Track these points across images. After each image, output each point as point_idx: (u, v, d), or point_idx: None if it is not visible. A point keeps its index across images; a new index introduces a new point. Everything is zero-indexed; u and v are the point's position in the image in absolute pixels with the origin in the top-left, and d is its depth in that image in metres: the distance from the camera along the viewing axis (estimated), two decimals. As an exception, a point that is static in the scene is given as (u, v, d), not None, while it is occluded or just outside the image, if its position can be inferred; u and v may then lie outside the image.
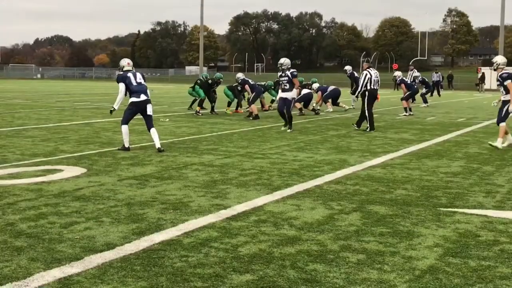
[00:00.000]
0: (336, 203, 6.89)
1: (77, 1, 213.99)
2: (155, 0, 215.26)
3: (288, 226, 5.85)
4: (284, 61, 15.32)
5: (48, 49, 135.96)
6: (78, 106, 23.87)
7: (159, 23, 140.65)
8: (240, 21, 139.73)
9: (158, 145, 10.96)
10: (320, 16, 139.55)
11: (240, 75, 21.12)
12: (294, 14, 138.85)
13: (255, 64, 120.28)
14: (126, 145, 11.02)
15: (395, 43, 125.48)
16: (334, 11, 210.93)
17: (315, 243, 5.29)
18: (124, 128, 11.00)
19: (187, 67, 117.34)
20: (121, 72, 11.31)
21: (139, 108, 11.15)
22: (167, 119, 17.97)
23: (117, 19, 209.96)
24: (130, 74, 11.17)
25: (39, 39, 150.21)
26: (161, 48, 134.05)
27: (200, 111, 20.19)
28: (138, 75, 11.32)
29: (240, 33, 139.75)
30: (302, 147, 11.95)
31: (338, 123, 17.88)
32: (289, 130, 14.82)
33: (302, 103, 21.38)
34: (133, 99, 11.10)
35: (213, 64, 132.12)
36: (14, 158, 9.90)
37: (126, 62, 11.53)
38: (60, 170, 8.72)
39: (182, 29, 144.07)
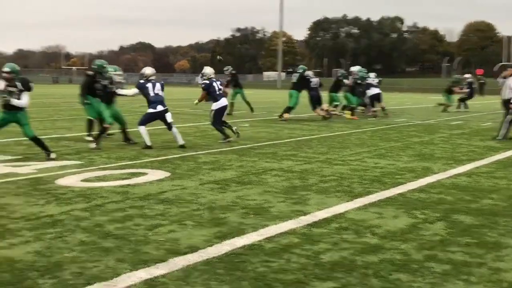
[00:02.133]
0: (419, 211, 6.75)
1: (159, 8, 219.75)
2: (235, 6, 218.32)
3: (370, 234, 5.78)
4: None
5: (131, 55, 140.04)
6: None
7: (238, 29, 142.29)
8: (320, 26, 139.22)
9: (181, 142, 12.03)
10: (401, 21, 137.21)
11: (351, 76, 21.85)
12: (375, 18, 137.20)
13: (334, 70, 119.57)
14: (148, 143, 11.82)
15: (480, 47, 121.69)
16: (416, 15, 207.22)
17: (398, 252, 5.20)
18: (142, 129, 11.94)
19: (264, 73, 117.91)
20: (142, 81, 12.21)
21: (158, 117, 12.17)
22: (247, 125, 18.12)
23: (198, 26, 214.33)
24: (149, 85, 12.09)
25: (123, 45, 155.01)
26: (240, 54, 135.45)
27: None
28: (157, 86, 12.16)
29: (319, 38, 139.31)
30: (383, 153, 11.78)
31: (420, 129, 17.51)
32: None
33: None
34: (150, 110, 12.04)
35: (291, 70, 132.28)
36: (101, 161, 10.25)
37: (150, 71, 12.22)
38: (145, 174, 8.96)
39: (261, 35, 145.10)
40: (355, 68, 22.82)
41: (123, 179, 8.54)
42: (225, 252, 5.13)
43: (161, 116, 12.09)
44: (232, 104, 21.96)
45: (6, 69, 9.99)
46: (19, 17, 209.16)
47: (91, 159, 10.38)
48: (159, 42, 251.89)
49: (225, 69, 23.94)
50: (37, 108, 24.91)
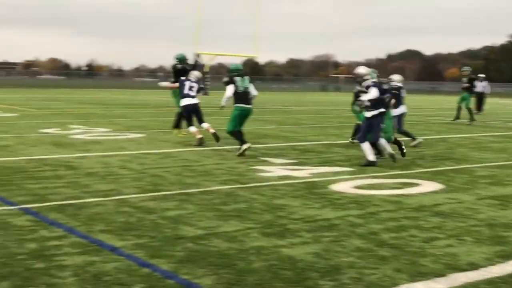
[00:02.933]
0: None
1: (427, 16, 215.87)
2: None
3: None
4: None
5: (399, 63, 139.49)
6: (431, 121, 23.89)
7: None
8: None
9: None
10: None
11: None
12: None
13: None
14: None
15: None
16: None
17: None
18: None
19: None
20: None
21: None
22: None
23: (470, 33, 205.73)
24: None
25: (391, 53, 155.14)
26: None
27: None
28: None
29: None
30: None
31: None
32: None
33: None
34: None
35: None
36: (372, 169, 10.31)
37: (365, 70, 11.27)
38: (417, 184, 8.81)
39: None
40: None
41: (395, 188, 8.51)
42: (509, 272, 4.80)
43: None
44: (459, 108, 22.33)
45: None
46: (291, 28, 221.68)
47: (362, 167, 10.53)
48: (427, 49, 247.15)
49: (464, 69, 23.21)
50: (307, 115, 26.12)
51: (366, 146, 10.65)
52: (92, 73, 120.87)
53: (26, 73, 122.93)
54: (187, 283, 4.47)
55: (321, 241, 5.68)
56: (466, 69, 23.40)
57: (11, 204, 6.94)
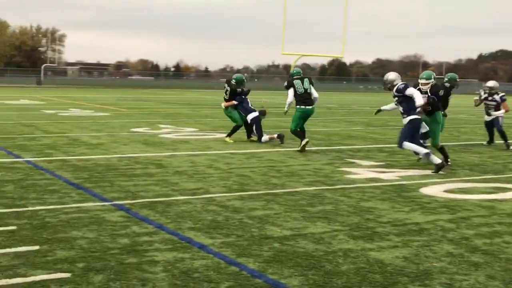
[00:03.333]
0: None
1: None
2: None
3: None
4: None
5: (491, 64, 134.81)
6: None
7: None
8: None
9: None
10: None
11: None
12: None
13: None
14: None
15: None
16: None
17: None
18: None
19: None
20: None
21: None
22: None
23: None
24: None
25: (483, 54, 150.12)
26: None
27: None
28: None
29: None
30: None
31: None
32: None
33: None
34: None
35: None
36: (463, 173, 10.03)
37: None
38: (511, 189, 8.47)
39: None
40: None
41: (488, 193, 8.21)
42: None
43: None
44: None
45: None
46: (378, 28, 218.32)
47: (453, 170, 10.23)
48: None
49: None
50: (395, 116, 25.61)
51: (411, 146, 10.05)
52: (179, 74, 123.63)
53: (117, 74, 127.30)
54: (275, 283, 4.48)
55: (411, 245, 5.55)
56: None
57: (105, 200, 7.19)
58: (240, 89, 14.32)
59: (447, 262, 5.05)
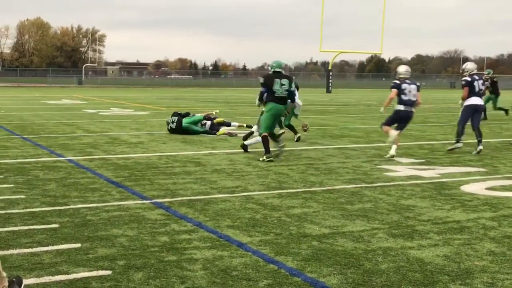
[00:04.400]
0: None
1: None
2: None
3: None
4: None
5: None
6: None
7: None
8: None
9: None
10: None
11: None
12: None
13: None
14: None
15: None
16: None
17: None
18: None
19: None
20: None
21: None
22: None
23: None
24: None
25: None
26: None
27: None
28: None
29: None
30: None
31: None
32: None
33: None
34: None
35: None
36: (505, 170, 9.84)
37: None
38: (556, 186, 8.28)
39: None
40: None
41: (531, 190, 8.05)
42: None
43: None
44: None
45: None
46: (417, 23, 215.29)
47: (495, 167, 10.05)
48: None
49: (485, 72, 21.97)
50: (435, 113, 25.29)
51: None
52: (217, 72, 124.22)
53: (156, 73, 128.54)
54: (314, 281, 4.47)
55: (452, 243, 5.47)
56: None
57: (145, 198, 7.27)
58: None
59: (488, 261, 4.96)
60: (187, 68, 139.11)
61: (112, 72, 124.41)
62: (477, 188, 8.17)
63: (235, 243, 5.41)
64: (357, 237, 5.67)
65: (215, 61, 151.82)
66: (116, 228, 5.86)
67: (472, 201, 7.31)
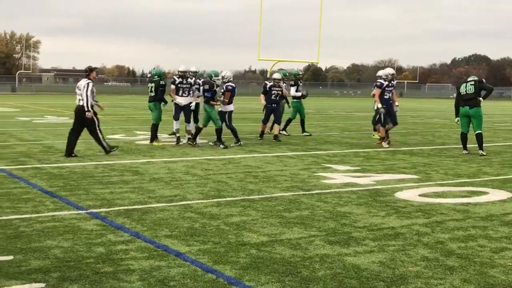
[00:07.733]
0: None
1: (493, 20, 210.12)
2: None
3: None
4: None
5: (464, 68, 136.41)
6: (498, 127, 23.22)
7: None
8: None
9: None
10: None
11: None
12: None
13: None
14: None
15: None
16: None
17: None
18: None
19: None
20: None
21: None
22: None
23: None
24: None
25: (456, 58, 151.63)
26: None
27: None
28: None
29: None
30: None
31: None
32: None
33: None
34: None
35: None
36: (438, 177, 10.13)
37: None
38: (485, 193, 8.58)
39: None
40: None
41: (462, 197, 8.31)
42: None
43: None
44: None
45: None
46: (353, 33, 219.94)
47: (428, 174, 10.33)
48: (494, 54, 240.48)
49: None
50: (370, 120, 25.77)
51: None
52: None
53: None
54: (252, 290, 4.48)
55: (387, 250, 5.59)
56: None
57: (80, 208, 7.13)
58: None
59: (422, 267, 5.09)
60: (125, 75, 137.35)
61: (47, 79, 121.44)
62: (410, 195, 8.37)
63: (173, 252, 5.36)
64: (295, 244, 5.72)
65: (154, 68, 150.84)
66: (50, 240, 5.72)
67: (406, 208, 7.49)
